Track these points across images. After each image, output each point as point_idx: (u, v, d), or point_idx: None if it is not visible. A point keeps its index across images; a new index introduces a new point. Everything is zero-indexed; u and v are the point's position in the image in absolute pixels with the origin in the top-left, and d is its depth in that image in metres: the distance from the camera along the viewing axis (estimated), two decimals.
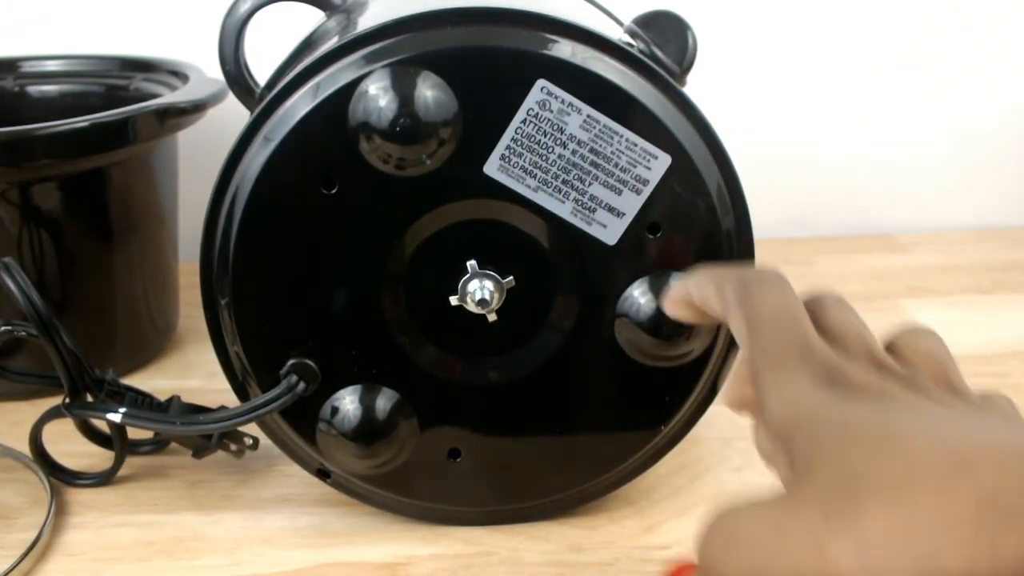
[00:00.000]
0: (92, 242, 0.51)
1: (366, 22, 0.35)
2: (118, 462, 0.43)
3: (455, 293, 0.36)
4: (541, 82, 0.33)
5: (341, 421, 0.37)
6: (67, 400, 0.41)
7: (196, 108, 0.50)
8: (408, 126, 0.33)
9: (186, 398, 0.42)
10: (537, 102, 0.34)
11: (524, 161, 0.34)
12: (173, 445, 0.44)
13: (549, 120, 0.34)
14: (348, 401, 0.37)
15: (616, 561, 0.39)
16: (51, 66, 0.61)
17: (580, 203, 0.35)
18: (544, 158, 0.34)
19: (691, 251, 0.36)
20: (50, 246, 0.49)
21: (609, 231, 0.35)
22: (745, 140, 0.49)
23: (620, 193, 0.35)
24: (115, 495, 0.43)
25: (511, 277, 0.36)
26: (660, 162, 0.34)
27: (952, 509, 0.19)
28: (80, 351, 0.41)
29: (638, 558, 0.39)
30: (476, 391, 0.37)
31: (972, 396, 0.25)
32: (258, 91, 0.40)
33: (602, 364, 0.37)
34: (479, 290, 0.35)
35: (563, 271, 0.36)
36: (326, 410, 0.37)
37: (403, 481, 0.39)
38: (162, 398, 0.42)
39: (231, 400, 0.38)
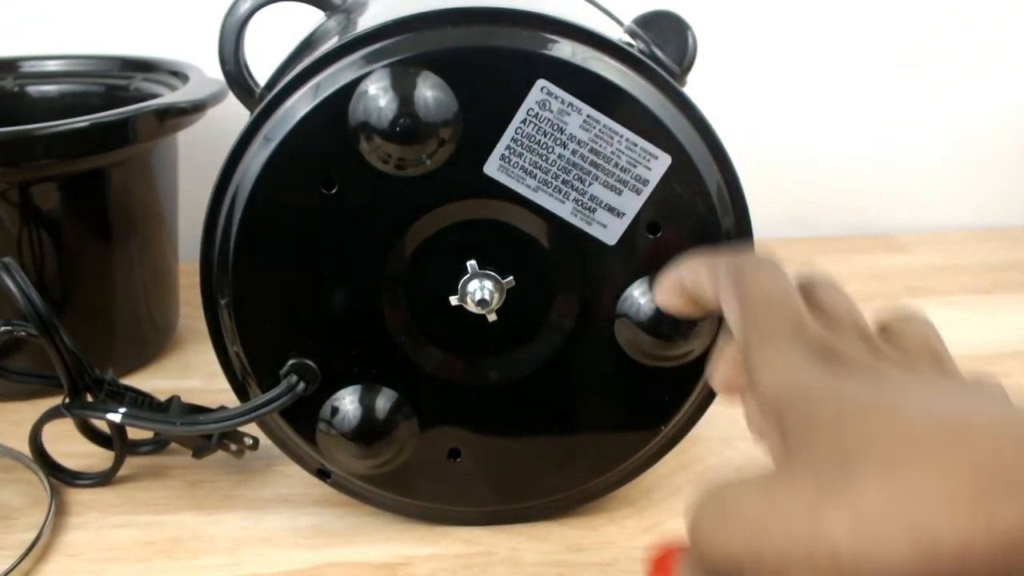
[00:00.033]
0: (92, 242, 0.51)
1: (366, 22, 0.35)
2: (118, 462, 0.43)
3: (455, 293, 0.36)
4: (541, 82, 0.33)
5: (341, 421, 0.37)
6: (67, 400, 0.41)
7: (196, 108, 0.50)
8: (408, 126, 0.33)
9: (186, 398, 0.42)
10: (537, 102, 0.34)
11: (524, 161, 0.34)
12: (173, 445, 0.44)
13: (549, 120, 0.34)
14: (348, 401, 0.37)
15: (616, 561, 0.39)
16: (51, 66, 0.61)
17: (580, 203, 0.35)
18: (544, 158, 0.34)
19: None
20: (50, 246, 0.49)
21: (609, 231, 0.35)
22: (745, 140, 0.49)
23: (620, 193, 0.35)
24: (115, 495, 0.43)
25: (511, 277, 0.36)
26: (660, 162, 0.34)
27: (948, 480, 0.18)
28: (80, 351, 0.41)
29: (638, 558, 0.39)
30: (476, 391, 0.37)
31: (963, 378, 0.26)
32: (258, 91, 0.40)
33: (602, 364, 0.37)
34: (479, 290, 0.35)
35: (563, 271, 0.36)
36: (326, 410, 0.37)
37: (403, 481, 0.39)
38: (162, 398, 0.42)
39: (231, 400, 0.38)
